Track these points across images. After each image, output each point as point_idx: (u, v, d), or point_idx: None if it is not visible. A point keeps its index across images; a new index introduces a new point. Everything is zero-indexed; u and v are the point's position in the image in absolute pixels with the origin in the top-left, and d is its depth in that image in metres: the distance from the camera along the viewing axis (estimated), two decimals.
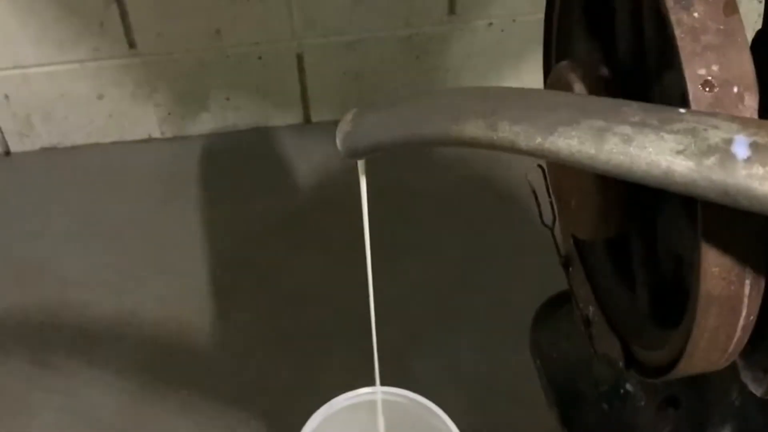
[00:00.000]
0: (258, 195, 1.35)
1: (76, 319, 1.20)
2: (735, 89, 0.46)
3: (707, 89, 0.46)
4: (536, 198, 0.62)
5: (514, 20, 1.37)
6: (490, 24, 1.37)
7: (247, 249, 1.27)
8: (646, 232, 0.58)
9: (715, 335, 0.51)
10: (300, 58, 1.39)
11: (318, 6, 1.34)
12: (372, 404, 0.77)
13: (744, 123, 0.43)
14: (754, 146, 0.42)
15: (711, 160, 0.42)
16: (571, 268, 0.67)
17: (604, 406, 0.76)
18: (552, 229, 0.62)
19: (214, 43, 1.35)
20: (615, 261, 0.63)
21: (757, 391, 0.58)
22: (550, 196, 0.61)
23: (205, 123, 1.44)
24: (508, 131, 0.44)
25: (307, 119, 1.46)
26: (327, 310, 1.17)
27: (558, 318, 0.81)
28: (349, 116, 0.55)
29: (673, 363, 0.54)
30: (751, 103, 0.46)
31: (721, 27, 0.47)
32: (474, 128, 0.44)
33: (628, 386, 0.76)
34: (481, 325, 1.14)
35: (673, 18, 0.48)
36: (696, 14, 0.48)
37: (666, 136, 0.42)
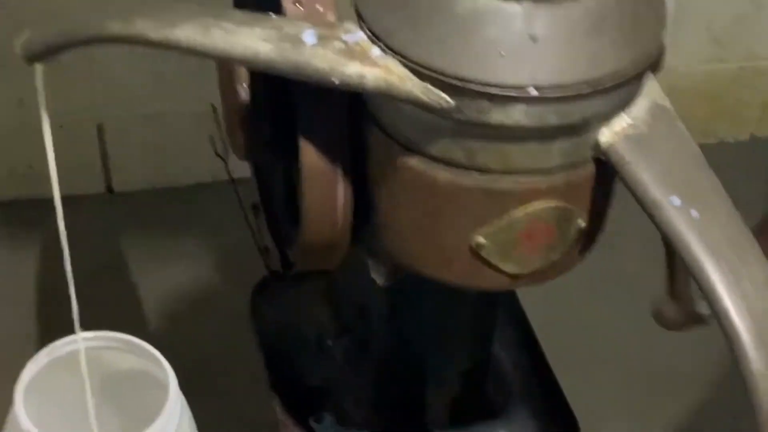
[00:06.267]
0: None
1: None
2: (318, 6, 0.62)
3: (297, 5, 0.61)
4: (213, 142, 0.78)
5: None
6: None
7: None
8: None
9: (321, 206, 0.65)
10: (101, 129, 1.51)
11: (119, 79, 1.47)
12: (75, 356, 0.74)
13: (314, 22, 0.59)
14: (320, 37, 0.58)
15: (286, 45, 0.57)
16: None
17: (310, 360, 0.90)
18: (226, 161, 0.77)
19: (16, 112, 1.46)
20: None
21: (379, 281, 0.72)
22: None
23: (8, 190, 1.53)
24: (140, 27, 0.58)
25: (109, 188, 1.58)
26: None
27: (278, 293, 0.94)
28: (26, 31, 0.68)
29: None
30: (330, 18, 0.62)
31: None
32: (114, 26, 0.58)
33: (328, 342, 0.90)
34: None
35: None
36: None
37: (257, 30, 0.58)
